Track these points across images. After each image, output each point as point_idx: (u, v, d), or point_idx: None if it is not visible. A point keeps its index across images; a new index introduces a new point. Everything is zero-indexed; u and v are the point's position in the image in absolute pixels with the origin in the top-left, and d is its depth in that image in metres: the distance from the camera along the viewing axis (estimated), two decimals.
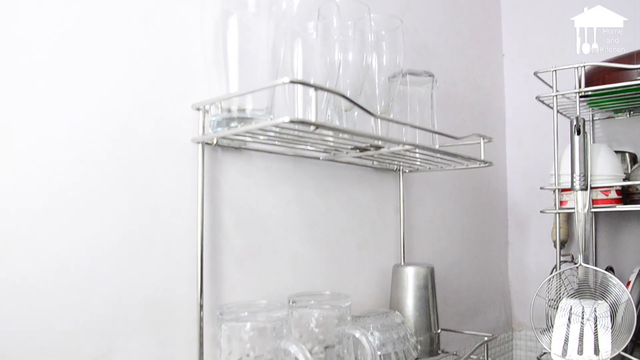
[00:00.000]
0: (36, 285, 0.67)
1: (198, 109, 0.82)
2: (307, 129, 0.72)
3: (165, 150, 0.81)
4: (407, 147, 0.87)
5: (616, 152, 1.34)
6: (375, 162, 1.15)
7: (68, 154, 0.71)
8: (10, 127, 0.66)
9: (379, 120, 1.02)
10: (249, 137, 0.81)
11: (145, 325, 0.78)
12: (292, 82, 0.66)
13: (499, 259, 1.71)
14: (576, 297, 1.24)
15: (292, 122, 0.65)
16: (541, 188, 1.32)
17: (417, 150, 0.99)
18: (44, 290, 0.68)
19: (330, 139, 0.83)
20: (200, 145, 0.82)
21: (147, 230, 0.79)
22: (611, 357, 1.15)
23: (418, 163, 1.12)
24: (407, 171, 1.24)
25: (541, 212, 1.33)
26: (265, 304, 0.82)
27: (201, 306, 0.81)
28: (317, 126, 0.67)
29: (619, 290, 1.18)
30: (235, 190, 0.90)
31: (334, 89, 0.72)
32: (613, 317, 1.18)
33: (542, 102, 1.34)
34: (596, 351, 1.17)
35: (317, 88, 0.67)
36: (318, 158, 1.02)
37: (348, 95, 0.98)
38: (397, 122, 0.92)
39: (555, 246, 1.41)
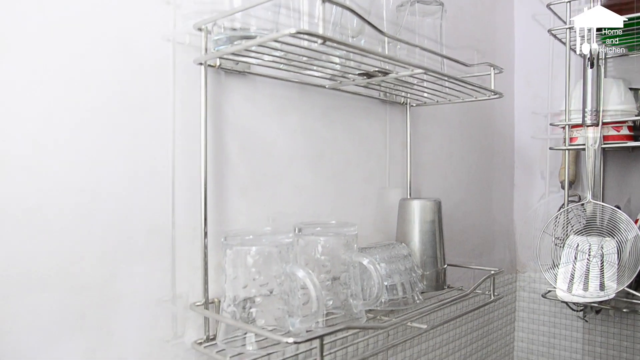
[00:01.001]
0: (37, 208, 0.66)
1: (200, 29, 0.78)
2: (313, 45, 0.69)
3: (166, 73, 0.79)
4: (416, 71, 0.84)
5: (630, 89, 1.30)
6: (382, 94, 1.12)
7: (63, 74, 0.68)
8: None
9: (386, 48, 0.98)
10: (253, 57, 0.78)
11: (149, 252, 0.77)
12: None
13: (504, 200, 1.70)
14: (583, 234, 1.23)
15: (298, 33, 0.62)
16: (551, 124, 1.30)
17: (425, 78, 0.96)
18: (45, 213, 0.67)
19: (337, 60, 0.80)
20: (202, 66, 0.79)
21: (148, 154, 0.77)
22: (616, 292, 1.15)
23: (426, 95, 1.09)
24: (414, 105, 1.21)
25: (550, 148, 1.31)
26: (270, 230, 0.81)
27: (205, 233, 0.80)
28: (325, 39, 0.64)
29: (627, 226, 1.17)
30: (239, 116, 0.88)
31: (342, 3, 0.69)
32: (619, 254, 1.18)
33: (555, 36, 1.30)
34: (601, 287, 1.17)
35: (324, 0, 0.64)
36: (324, 86, 0.99)
37: (355, 23, 0.95)
38: (407, 43, 0.89)
39: (562, 187, 1.40)
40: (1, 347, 0.64)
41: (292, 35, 0.62)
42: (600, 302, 1.21)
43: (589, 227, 1.22)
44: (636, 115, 1.23)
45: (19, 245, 0.65)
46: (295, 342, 0.67)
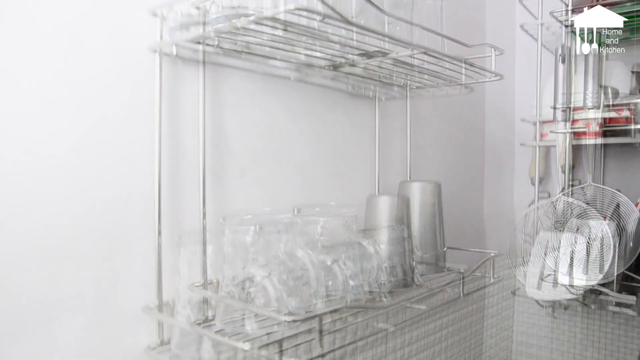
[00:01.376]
0: (34, 184, 0.66)
1: (198, 8, 0.78)
2: (313, 23, 0.68)
3: (163, 49, 0.78)
4: (415, 50, 0.83)
5: (632, 72, 1.29)
6: (381, 76, 1.11)
7: (56, 60, 0.68)
8: None
9: (386, 29, 0.97)
10: (252, 36, 0.77)
11: (147, 231, 0.77)
12: None
13: (504, 184, 1.69)
14: (583, 218, 1.23)
15: (296, 9, 0.61)
16: (552, 107, 1.29)
17: (425, 59, 0.95)
18: (43, 190, 0.67)
19: (336, 38, 0.79)
20: (200, 45, 0.78)
21: (145, 130, 0.76)
22: (616, 275, 1.15)
23: (426, 77, 1.08)
24: (414, 87, 1.20)
25: (551, 131, 1.30)
26: (269, 210, 0.81)
27: (204, 214, 0.80)
28: (324, 16, 0.63)
29: (627, 208, 1.17)
30: (238, 94, 0.87)
31: None
32: (620, 236, 1.17)
33: (556, 18, 1.28)
34: (601, 270, 1.17)
35: None
36: (324, 67, 0.98)
37: (354, 3, 0.94)
38: (407, 22, 0.88)
39: (562, 171, 1.39)
40: (1, 325, 0.64)
41: (291, 12, 0.62)
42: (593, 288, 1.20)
43: (589, 210, 1.22)
44: (638, 98, 1.22)
45: (15, 224, 0.65)
46: (294, 321, 0.67)
